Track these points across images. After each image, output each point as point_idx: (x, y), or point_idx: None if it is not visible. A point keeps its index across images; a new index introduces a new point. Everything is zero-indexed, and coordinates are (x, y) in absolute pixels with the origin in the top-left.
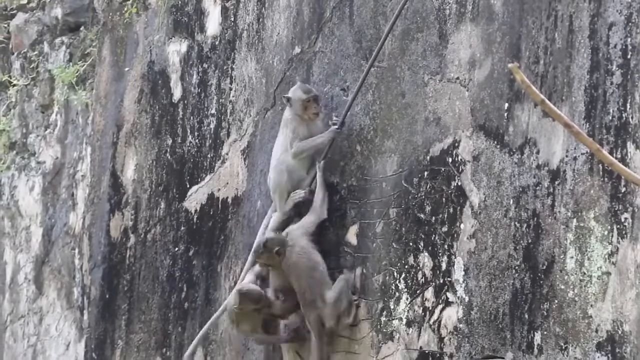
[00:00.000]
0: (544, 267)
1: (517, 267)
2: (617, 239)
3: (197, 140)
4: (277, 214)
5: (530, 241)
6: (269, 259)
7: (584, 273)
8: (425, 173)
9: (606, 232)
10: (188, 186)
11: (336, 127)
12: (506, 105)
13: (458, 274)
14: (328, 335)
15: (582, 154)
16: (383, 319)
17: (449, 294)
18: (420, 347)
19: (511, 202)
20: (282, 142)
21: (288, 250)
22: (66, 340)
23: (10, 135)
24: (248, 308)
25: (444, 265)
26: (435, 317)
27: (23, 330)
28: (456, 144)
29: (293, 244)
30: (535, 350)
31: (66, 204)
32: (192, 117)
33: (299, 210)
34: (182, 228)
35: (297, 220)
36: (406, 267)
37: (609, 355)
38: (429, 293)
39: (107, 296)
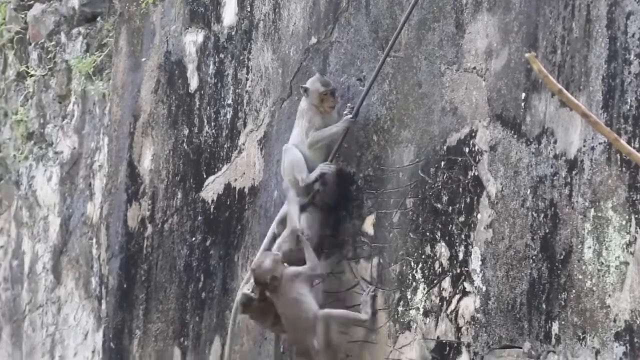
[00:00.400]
0: (562, 257)
1: (534, 257)
2: (635, 228)
3: (213, 131)
4: (290, 201)
5: (547, 231)
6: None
7: (602, 263)
8: (442, 163)
9: (624, 222)
10: (205, 176)
11: (350, 116)
12: (523, 94)
13: (475, 263)
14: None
15: (599, 143)
16: (400, 308)
17: (466, 284)
18: (438, 337)
19: (528, 192)
20: (297, 132)
21: (280, 291)
22: (84, 329)
23: (28, 125)
24: (253, 312)
25: (461, 255)
26: (452, 306)
27: (41, 320)
28: (473, 134)
29: (285, 282)
30: (553, 340)
31: (84, 194)
32: (208, 107)
33: (324, 181)
34: (199, 218)
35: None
36: (423, 257)
37: (627, 345)
38: (446, 283)
39: (125, 286)
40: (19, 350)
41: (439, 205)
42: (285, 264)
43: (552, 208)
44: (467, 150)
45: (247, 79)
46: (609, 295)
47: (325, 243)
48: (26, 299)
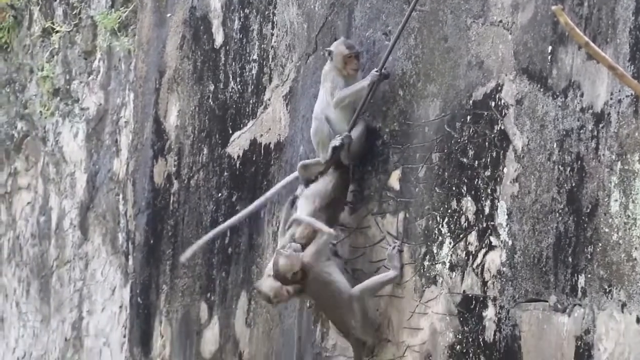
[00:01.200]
0: (588, 211)
1: (560, 211)
2: None
3: (239, 86)
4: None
5: (574, 184)
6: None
7: (629, 216)
8: (468, 117)
9: None
10: (230, 132)
11: (376, 70)
12: (550, 48)
13: (501, 217)
14: (370, 349)
15: (626, 96)
16: (426, 263)
17: (492, 238)
18: (464, 291)
19: (555, 146)
20: (322, 95)
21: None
22: (112, 285)
23: (53, 81)
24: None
25: (487, 210)
26: (478, 261)
27: (69, 275)
28: (499, 88)
29: (308, 270)
30: (579, 294)
31: (110, 150)
32: (234, 63)
33: (338, 156)
34: (225, 174)
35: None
36: (449, 211)
37: None
38: (472, 237)
39: (152, 241)
40: (47, 305)
41: (464, 160)
42: (300, 253)
43: (579, 161)
44: (493, 104)
45: (272, 34)
46: (636, 249)
47: (351, 198)
48: (54, 254)
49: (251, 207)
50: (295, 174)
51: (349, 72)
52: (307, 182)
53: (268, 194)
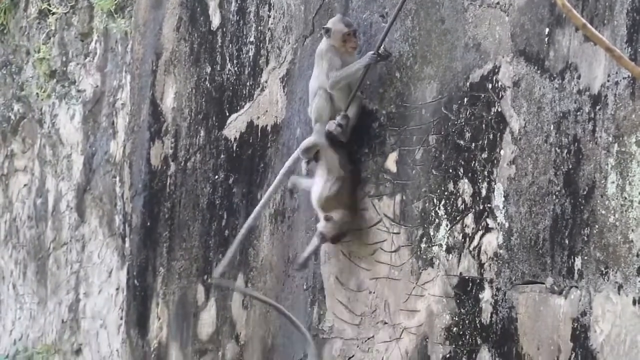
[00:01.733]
0: (585, 193)
1: (557, 193)
2: None
3: (236, 68)
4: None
5: (570, 167)
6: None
7: (625, 198)
8: (465, 99)
9: None
10: (227, 114)
11: (372, 52)
12: (547, 30)
13: (498, 200)
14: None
15: (623, 78)
16: (423, 245)
17: (488, 220)
18: (460, 273)
19: (552, 128)
20: (317, 74)
21: None
22: (108, 267)
23: (50, 63)
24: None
25: (483, 192)
26: (475, 243)
27: (66, 258)
28: (496, 70)
29: None
30: (576, 275)
31: (107, 132)
32: (230, 45)
33: (333, 140)
34: (222, 156)
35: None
36: (446, 193)
37: None
38: (469, 219)
39: (148, 224)
40: (43, 287)
41: (461, 142)
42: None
43: (576, 143)
44: (490, 86)
45: (269, 16)
46: (632, 230)
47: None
48: (50, 237)
49: (263, 201)
50: (295, 155)
51: (348, 50)
52: (309, 162)
53: (276, 181)
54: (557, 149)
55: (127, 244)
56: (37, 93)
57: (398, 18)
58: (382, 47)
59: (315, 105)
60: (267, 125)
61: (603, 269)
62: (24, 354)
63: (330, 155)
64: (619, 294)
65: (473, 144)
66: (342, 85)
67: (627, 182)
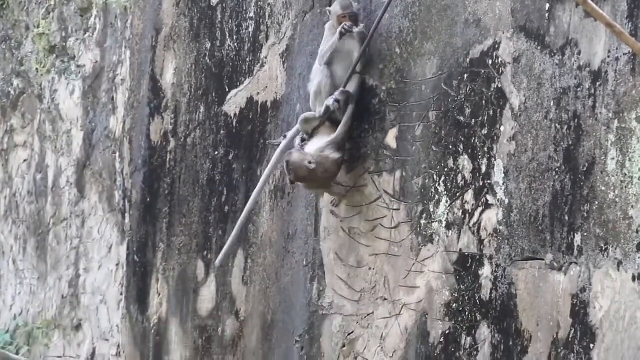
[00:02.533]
0: (584, 169)
1: (557, 169)
2: None
3: (235, 44)
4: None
5: (570, 143)
6: None
7: (625, 174)
8: (465, 75)
9: None
10: (227, 90)
11: (345, 24)
12: (547, 5)
13: (498, 176)
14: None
15: (624, 54)
16: (422, 221)
17: (488, 196)
18: (460, 249)
19: (552, 104)
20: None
21: None
22: (108, 242)
23: (49, 38)
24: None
25: (483, 168)
26: (474, 219)
27: (66, 233)
28: (496, 46)
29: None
30: (575, 252)
31: (106, 108)
32: (230, 20)
33: (331, 117)
34: (222, 132)
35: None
36: (445, 169)
37: None
38: (469, 195)
39: (148, 199)
40: (43, 262)
41: (461, 118)
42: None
43: (576, 119)
44: (490, 62)
45: None
46: (632, 207)
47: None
48: (50, 212)
49: (264, 177)
50: (296, 128)
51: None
52: (303, 140)
53: (273, 159)
54: (557, 124)
55: (126, 220)
56: (36, 68)
57: None
58: (349, 23)
59: (316, 81)
60: (266, 101)
61: (602, 245)
62: (24, 328)
63: (327, 132)
64: (618, 270)
65: (473, 120)
66: (328, 59)
67: (627, 158)
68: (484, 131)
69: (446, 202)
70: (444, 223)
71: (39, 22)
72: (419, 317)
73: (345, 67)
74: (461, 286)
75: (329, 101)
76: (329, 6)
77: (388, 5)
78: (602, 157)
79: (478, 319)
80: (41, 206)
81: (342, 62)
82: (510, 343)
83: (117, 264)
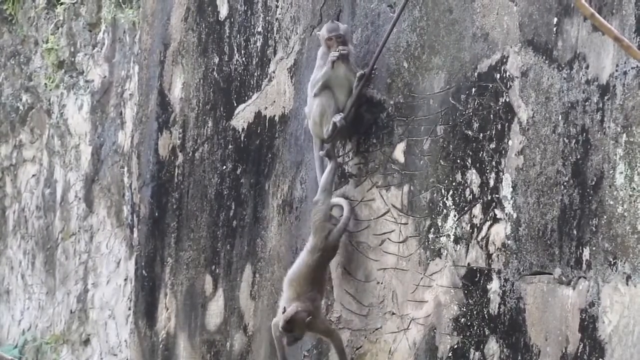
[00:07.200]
0: (593, 183)
1: (565, 183)
2: None
3: (243, 59)
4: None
5: (579, 157)
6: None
7: (634, 188)
8: (473, 89)
9: None
10: (235, 104)
11: (336, 50)
12: (555, 19)
13: (506, 190)
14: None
15: (632, 68)
16: (431, 236)
17: (496, 211)
18: (468, 264)
19: (560, 118)
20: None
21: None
22: (117, 257)
23: (58, 54)
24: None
25: (491, 182)
26: (483, 233)
27: (74, 248)
28: (504, 60)
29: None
30: (584, 266)
31: (115, 123)
32: (238, 35)
33: (340, 133)
34: (230, 146)
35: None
36: (454, 184)
37: None
38: (477, 210)
39: (157, 214)
40: (52, 277)
41: (469, 132)
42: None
43: (584, 134)
44: (498, 76)
45: (276, 6)
46: None
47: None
48: (59, 227)
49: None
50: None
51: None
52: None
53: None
54: (565, 139)
55: (135, 235)
56: (45, 83)
57: (406, 8)
58: (341, 47)
59: (316, 106)
60: (274, 116)
61: (611, 259)
62: (33, 344)
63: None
64: (627, 284)
65: (481, 134)
66: (321, 88)
67: (636, 172)
68: (492, 145)
69: (454, 216)
70: (452, 237)
71: (48, 38)
72: (428, 331)
73: (344, 92)
74: (470, 301)
75: (336, 118)
76: (332, 23)
77: (397, 21)
78: (611, 172)
79: (487, 333)
80: (50, 221)
81: (340, 88)
82: (519, 358)
83: (125, 279)
